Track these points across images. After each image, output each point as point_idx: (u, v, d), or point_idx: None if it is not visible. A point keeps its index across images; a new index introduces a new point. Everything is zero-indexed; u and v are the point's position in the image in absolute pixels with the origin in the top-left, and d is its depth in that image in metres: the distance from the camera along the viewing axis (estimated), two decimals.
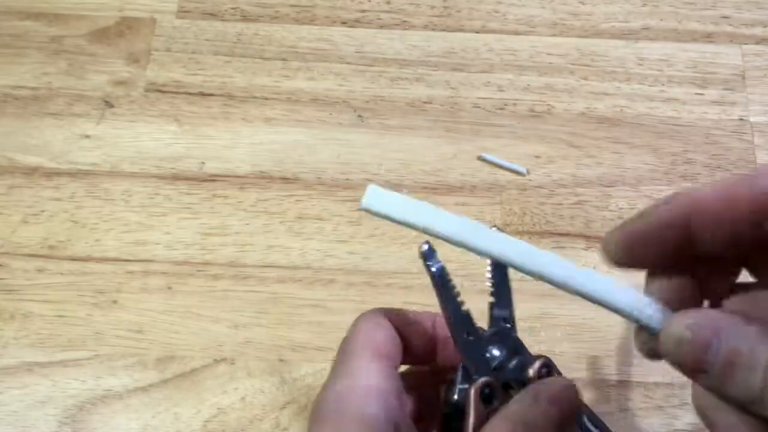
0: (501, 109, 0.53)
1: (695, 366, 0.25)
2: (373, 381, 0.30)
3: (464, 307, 0.31)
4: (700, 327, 0.25)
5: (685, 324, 0.25)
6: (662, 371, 0.45)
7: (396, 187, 0.51)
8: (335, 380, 0.30)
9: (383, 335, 0.32)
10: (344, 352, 0.31)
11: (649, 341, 0.27)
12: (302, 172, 0.51)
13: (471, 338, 0.31)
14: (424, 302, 0.39)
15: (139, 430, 0.44)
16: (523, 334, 0.46)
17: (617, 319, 0.47)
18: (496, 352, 0.32)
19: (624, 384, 0.45)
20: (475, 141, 0.52)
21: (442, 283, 0.31)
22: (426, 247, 0.31)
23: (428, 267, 0.31)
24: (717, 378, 0.25)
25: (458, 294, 0.31)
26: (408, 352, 0.33)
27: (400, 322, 0.33)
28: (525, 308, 0.47)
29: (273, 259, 0.49)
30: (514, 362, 0.32)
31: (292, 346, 0.46)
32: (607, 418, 0.44)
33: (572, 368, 0.45)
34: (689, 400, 0.44)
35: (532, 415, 0.28)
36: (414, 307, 0.35)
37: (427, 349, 0.34)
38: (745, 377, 0.24)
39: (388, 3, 0.57)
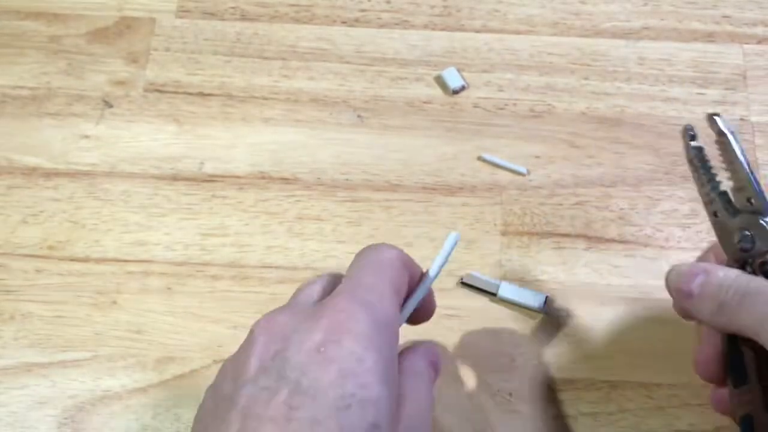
0: (501, 109, 0.53)
1: (687, 289, 0.36)
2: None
3: (721, 187, 0.36)
4: (691, 265, 0.37)
5: (683, 265, 0.37)
6: (664, 372, 0.45)
7: (395, 187, 0.51)
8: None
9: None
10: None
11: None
12: (302, 173, 0.51)
13: (719, 218, 0.36)
14: None
15: (138, 430, 0.44)
16: (523, 335, 0.46)
17: (618, 320, 0.47)
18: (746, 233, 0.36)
19: (624, 384, 0.45)
20: (475, 141, 0.52)
21: (700, 161, 0.35)
22: (690, 126, 0.36)
23: (689, 145, 0.35)
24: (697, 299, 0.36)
25: (715, 175, 0.35)
26: None
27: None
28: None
29: (273, 260, 0.49)
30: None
31: None
32: (607, 418, 0.44)
33: (572, 368, 0.45)
34: (691, 400, 0.44)
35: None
36: None
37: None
38: (712, 294, 0.35)
39: (388, 2, 0.57)
